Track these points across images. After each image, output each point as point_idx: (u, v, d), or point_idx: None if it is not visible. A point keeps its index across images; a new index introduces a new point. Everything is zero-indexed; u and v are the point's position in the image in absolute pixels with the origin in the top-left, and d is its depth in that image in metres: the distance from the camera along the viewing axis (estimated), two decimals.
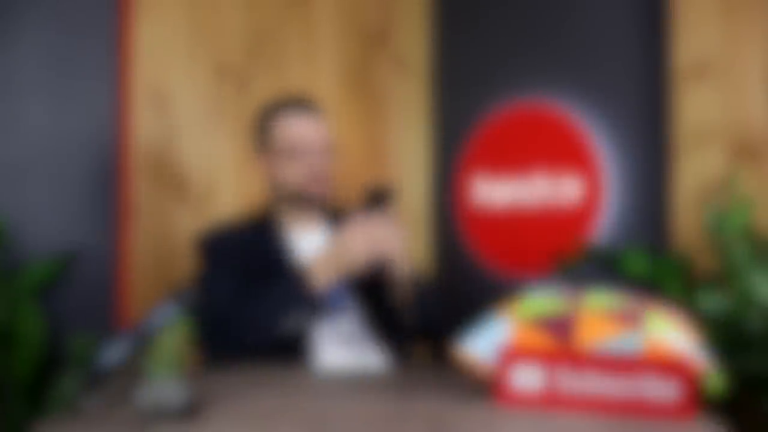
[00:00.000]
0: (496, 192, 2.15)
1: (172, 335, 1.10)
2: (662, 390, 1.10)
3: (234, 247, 1.69)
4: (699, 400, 1.12)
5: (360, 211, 1.59)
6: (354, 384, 1.39)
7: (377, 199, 1.60)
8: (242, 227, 1.75)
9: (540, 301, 1.28)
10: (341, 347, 1.65)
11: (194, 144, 2.18)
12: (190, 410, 1.07)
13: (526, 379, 1.17)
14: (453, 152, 2.29)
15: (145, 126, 2.14)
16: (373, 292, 1.68)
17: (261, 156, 1.76)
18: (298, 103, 1.76)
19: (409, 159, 2.35)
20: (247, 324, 1.53)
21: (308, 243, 1.73)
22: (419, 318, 1.64)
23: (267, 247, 1.71)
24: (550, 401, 1.15)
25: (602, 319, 1.20)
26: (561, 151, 2.03)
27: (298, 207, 1.74)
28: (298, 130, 1.71)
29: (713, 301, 1.64)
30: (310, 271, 1.55)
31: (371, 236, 1.54)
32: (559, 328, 1.20)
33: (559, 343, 1.19)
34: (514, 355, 1.18)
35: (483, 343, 1.26)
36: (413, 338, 1.72)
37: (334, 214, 1.79)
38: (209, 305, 1.58)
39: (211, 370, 1.45)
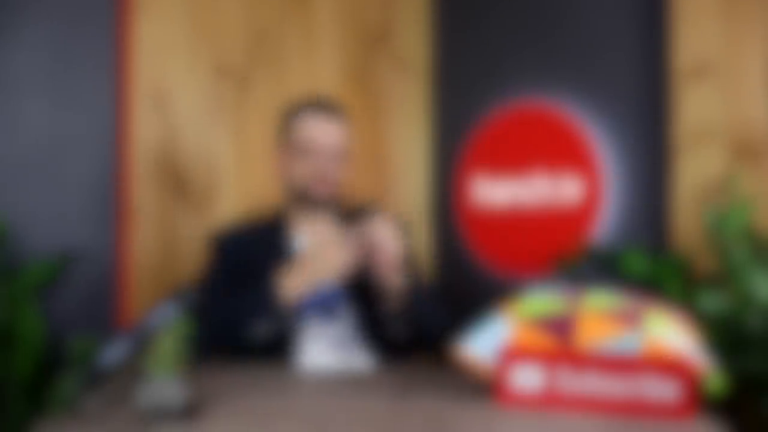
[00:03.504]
0: (496, 192, 2.15)
1: (172, 335, 1.10)
2: (662, 390, 1.11)
3: (243, 249, 1.73)
4: (699, 400, 1.12)
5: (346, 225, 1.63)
6: (353, 384, 1.39)
7: (359, 215, 1.64)
8: (254, 228, 1.78)
9: (540, 301, 1.28)
10: (330, 350, 1.66)
11: (194, 144, 2.18)
12: (190, 410, 1.07)
13: (526, 379, 1.17)
14: (453, 152, 2.28)
15: (145, 126, 2.14)
16: (368, 298, 1.68)
17: (279, 153, 1.79)
18: (321, 105, 1.79)
19: (409, 159, 2.35)
20: (217, 326, 1.57)
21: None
22: (418, 327, 1.65)
23: (276, 248, 1.72)
24: (550, 401, 1.15)
25: (602, 319, 1.20)
26: (561, 151, 2.03)
27: (305, 207, 1.75)
28: (315, 130, 1.74)
29: (713, 301, 1.64)
30: (280, 282, 1.58)
31: (343, 250, 1.57)
32: (559, 328, 1.21)
33: (559, 343, 1.19)
34: (514, 355, 1.18)
35: (483, 343, 1.26)
36: (409, 346, 1.71)
37: (347, 217, 1.80)
38: (203, 303, 1.61)
39: (201, 369, 1.45)
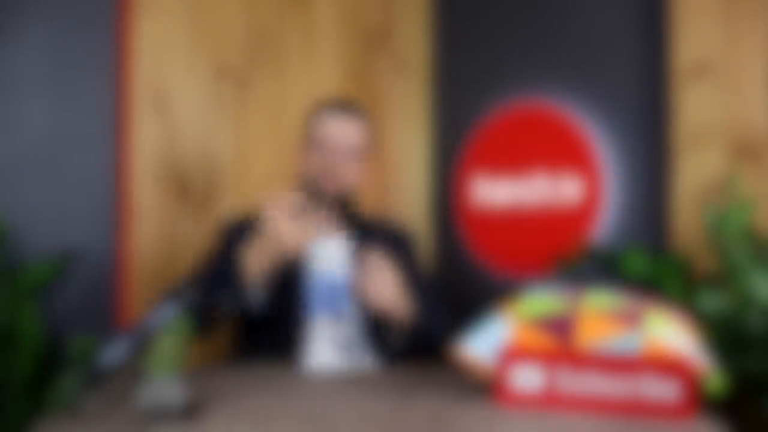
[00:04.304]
0: (496, 192, 2.15)
1: (172, 335, 1.10)
2: (662, 390, 1.11)
3: (249, 237, 1.75)
4: (699, 400, 1.12)
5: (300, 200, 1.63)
6: (354, 384, 1.39)
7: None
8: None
9: (540, 301, 1.28)
10: (337, 350, 1.67)
11: (194, 144, 2.18)
12: (190, 410, 1.07)
13: (526, 379, 1.17)
14: (453, 152, 2.28)
15: (145, 126, 2.14)
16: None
17: (298, 151, 1.83)
18: (340, 105, 1.84)
19: (409, 159, 2.35)
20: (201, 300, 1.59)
21: (327, 248, 1.76)
22: (421, 342, 1.65)
23: None
24: (550, 401, 1.15)
25: (602, 319, 1.20)
26: (561, 151, 2.03)
27: (317, 203, 1.77)
28: (331, 127, 1.77)
29: (713, 301, 1.64)
30: (245, 257, 1.60)
31: (296, 227, 1.55)
32: (559, 328, 1.21)
33: (559, 343, 1.19)
34: (514, 355, 1.18)
35: (483, 343, 1.26)
36: (412, 353, 1.72)
37: (362, 226, 1.83)
38: (195, 276, 1.73)
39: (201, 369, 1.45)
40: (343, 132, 1.77)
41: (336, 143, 1.75)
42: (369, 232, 1.81)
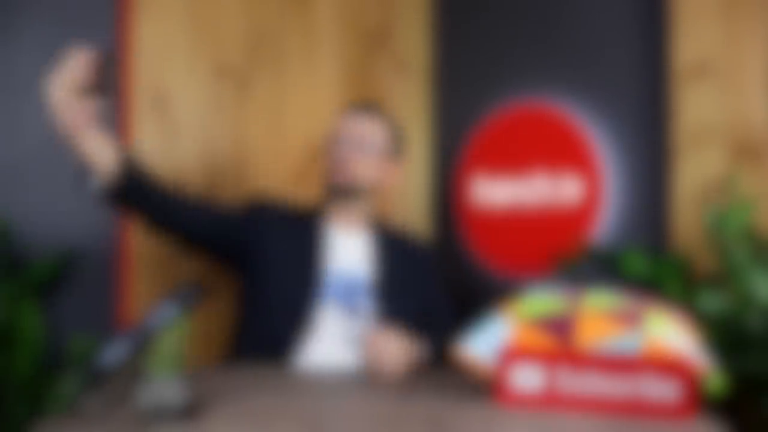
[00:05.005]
0: (496, 192, 2.15)
1: (172, 335, 1.10)
2: (662, 390, 1.11)
3: (271, 214, 1.80)
4: (699, 400, 1.12)
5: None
6: (354, 384, 1.39)
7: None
8: (293, 207, 1.87)
9: (540, 301, 1.28)
10: (345, 346, 1.67)
11: (194, 144, 2.18)
12: (190, 410, 1.07)
13: (526, 379, 1.17)
14: (453, 152, 2.28)
15: (145, 126, 2.14)
16: (391, 297, 1.73)
17: (323, 155, 1.88)
18: (360, 105, 1.91)
19: (409, 159, 2.34)
20: None
21: (346, 244, 1.79)
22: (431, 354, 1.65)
23: (306, 230, 1.79)
24: (550, 401, 1.15)
25: (602, 319, 1.20)
26: (561, 151, 2.03)
27: (334, 199, 1.81)
28: (345, 124, 1.82)
29: (713, 301, 1.64)
30: None
31: (65, 98, 1.56)
32: (559, 328, 1.21)
33: (559, 343, 1.19)
34: (514, 355, 1.18)
35: (483, 343, 1.26)
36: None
37: (383, 230, 1.86)
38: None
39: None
40: (354, 126, 1.81)
41: (349, 137, 1.79)
42: (390, 238, 1.85)
